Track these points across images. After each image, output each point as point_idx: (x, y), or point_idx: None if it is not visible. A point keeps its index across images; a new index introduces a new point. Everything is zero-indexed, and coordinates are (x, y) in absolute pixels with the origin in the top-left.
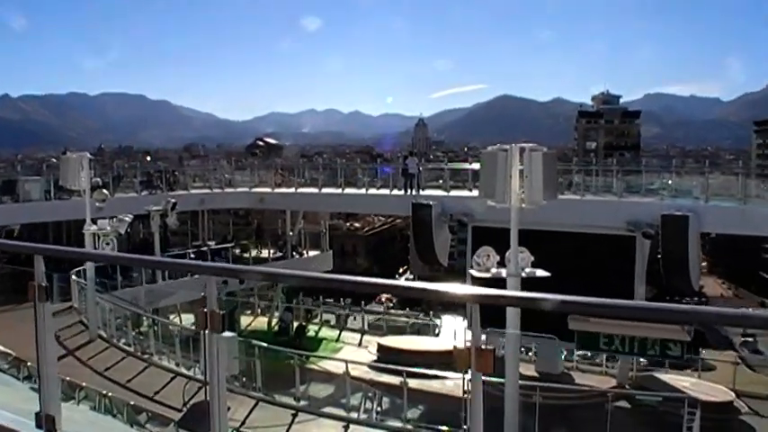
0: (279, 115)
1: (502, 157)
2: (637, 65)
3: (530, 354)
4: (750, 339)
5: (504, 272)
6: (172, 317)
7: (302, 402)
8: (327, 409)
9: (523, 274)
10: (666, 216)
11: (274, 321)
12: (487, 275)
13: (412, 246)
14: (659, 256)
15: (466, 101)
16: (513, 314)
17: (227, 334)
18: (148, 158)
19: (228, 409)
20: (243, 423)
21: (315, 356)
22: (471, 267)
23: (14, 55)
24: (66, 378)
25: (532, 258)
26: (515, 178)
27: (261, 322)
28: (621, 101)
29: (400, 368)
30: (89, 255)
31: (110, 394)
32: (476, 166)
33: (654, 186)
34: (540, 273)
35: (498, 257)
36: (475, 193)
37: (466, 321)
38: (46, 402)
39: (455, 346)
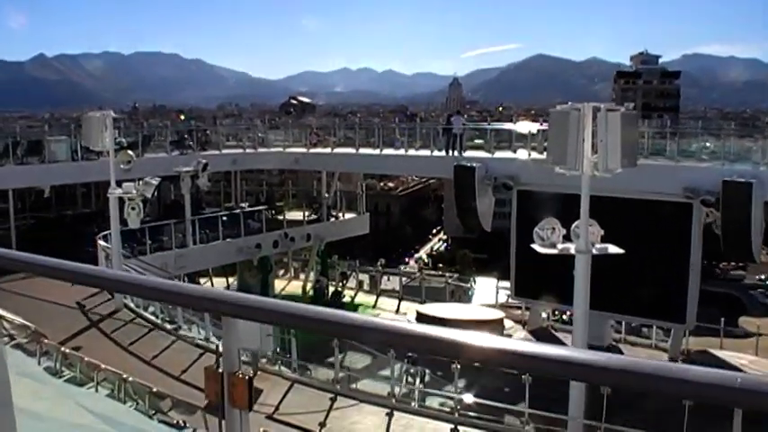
0: (312, 74)
1: (574, 118)
2: (674, 25)
3: (570, 318)
4: None
5: (572, 247)
6: (203, 281)
7: (341, 375)
8: (367, 385)
9: (594, 251)
10: (729, 182)
11: (309, 286)
12: (554, 251)
13: (447, 207)
14: (717, 223)
15: (500, 60)
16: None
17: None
18: (182, 117)
19: (261, 391)
20: (276, 408)
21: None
22: (529, 237)
23: (49, 14)
24: (84, 358)
25: (602, 232)
26: (588, 142)
27: (295, 286)
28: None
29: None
30: (44, 265)
31: (130, 379)
32: (519, 126)
33: (692, 149)
34: (613, 249)
35: (564, 230)
36: (519, 154)
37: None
38: None
39: None
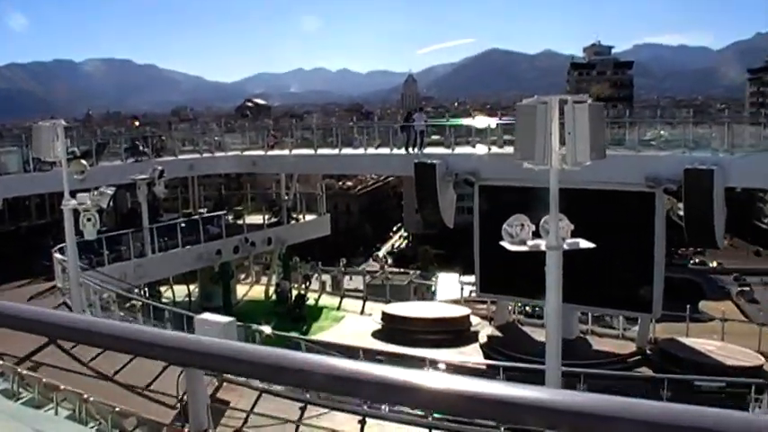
0: (267, 76)
1: (541, 111)
2: (625, 14)
3: (533, 309)
4: (747, 289)
5: (542, 244)
6: (164, 289)
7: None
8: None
9: (565, 246)
10: (690, 170)
11: (271, 290)
12: (524, 248)
13: (406, 204)
14: (674, 210)
15: (454, 56)
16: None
17: (225, 319)
18: (136, 123)
19: (228, 403)
20: (245, 421)
21: (321, 342)
22: (489, 232)
23: None
24: (43, 379)
25: (572, 226)
26: (555, 135)
27: (257, 291)
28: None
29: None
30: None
31: (91, 398)
32: (478, 121)
33: (646, 138)
34: (585, 244)
35: (533, 226)
36: (479, 149)
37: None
38: None
39: None
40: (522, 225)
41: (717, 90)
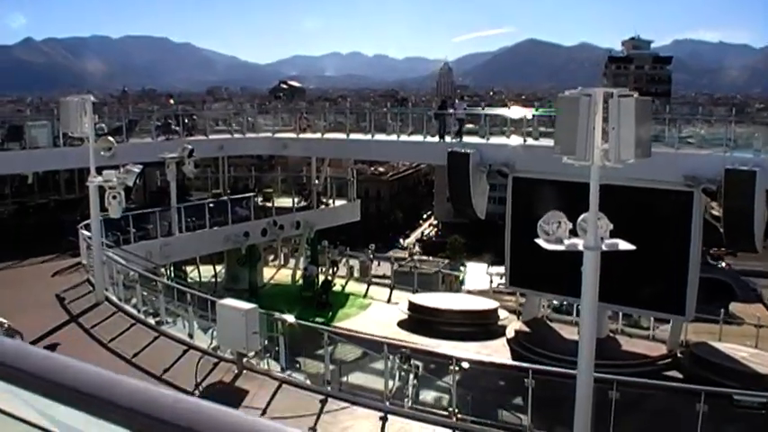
0: (303, 58)
1: (584, 105)
2: (665, 10)
3: (562, 305)
4: None
5: (580, 243)
6: (190, 269)
7: (331, 368)
8: (359, 378)
9: (603, 247)
10: (731, 171)
11: (298, 274)
12: (560, 248)
13: (437, 192)
14: (718, 213)
15: (491, 45)
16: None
17: (247, 305)
18: (171, 101)
19: (247, 392)
20: (264, 412)
21: (344, 332)
22: (534, 227)
23: None
24: None
25: (611, 226)
26: (598, 130)
27: (284, 275)
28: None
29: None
30: None
31: None
32: (513, 111)
33: (683, 135)
34: (624, 245)
35: (570, 224)
36: (513, 140)
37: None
38: None
39: None
40: (559, 223)
41: (756, 89)
